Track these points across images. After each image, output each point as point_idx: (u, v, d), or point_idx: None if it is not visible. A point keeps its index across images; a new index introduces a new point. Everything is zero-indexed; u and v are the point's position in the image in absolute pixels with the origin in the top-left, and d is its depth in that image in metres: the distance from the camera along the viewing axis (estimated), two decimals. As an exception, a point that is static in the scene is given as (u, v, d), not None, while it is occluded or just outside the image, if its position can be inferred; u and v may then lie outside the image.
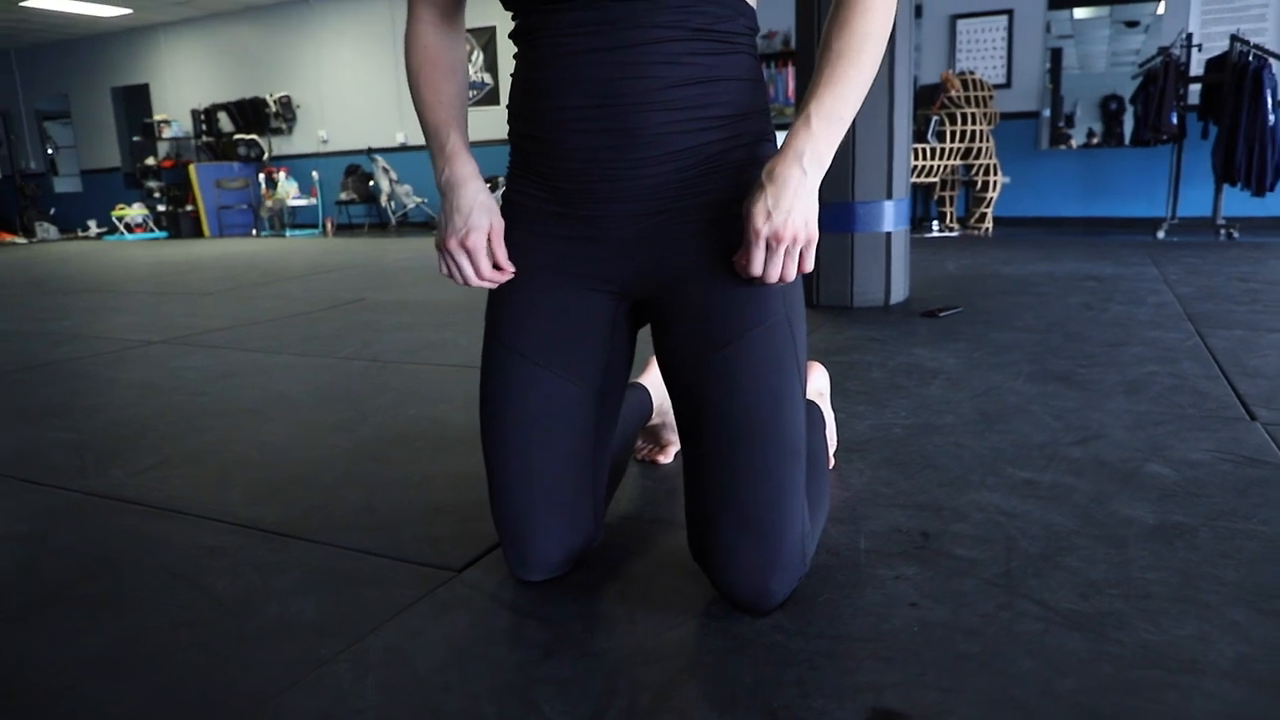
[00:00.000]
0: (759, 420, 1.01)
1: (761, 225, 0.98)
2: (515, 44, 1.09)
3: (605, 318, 1.12)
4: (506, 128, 1.16)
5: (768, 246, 0.99)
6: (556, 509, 1.10)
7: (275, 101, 10.35)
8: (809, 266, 1.03)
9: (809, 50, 3.14)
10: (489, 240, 1.10)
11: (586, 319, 1.11)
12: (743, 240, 1.02)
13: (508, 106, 1.14)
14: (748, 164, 1.07)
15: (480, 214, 1.09)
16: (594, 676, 0.93)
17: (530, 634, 1.03)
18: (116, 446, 1.86)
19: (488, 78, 9.06)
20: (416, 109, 1.15)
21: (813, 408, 1.40)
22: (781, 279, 1.02)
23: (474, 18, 8.59)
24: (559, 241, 1.10)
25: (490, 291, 1.15)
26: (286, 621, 1.08)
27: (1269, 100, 5.20)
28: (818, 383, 1.54)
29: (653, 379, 1.52)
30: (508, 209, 1.14)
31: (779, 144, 1.05)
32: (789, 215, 0.98)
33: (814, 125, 0.99)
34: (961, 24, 6.96)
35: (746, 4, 1.06)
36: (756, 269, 1.01)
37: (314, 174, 9.89)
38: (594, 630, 1.03)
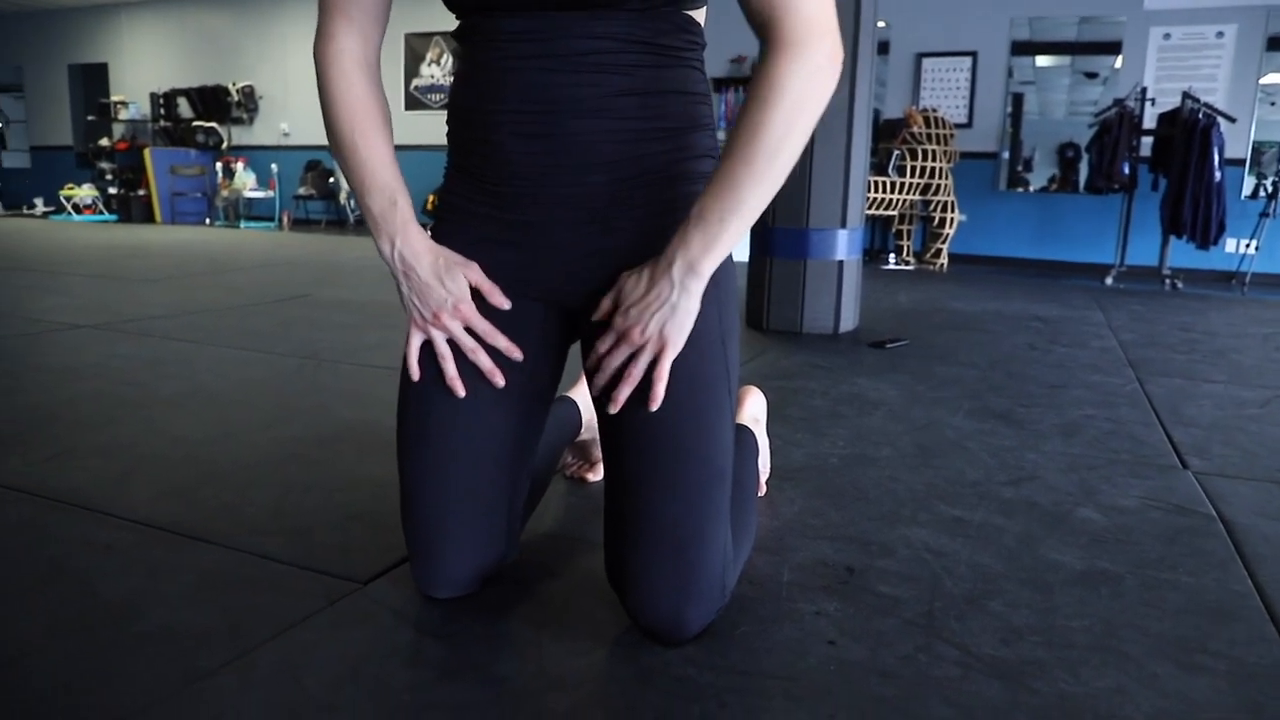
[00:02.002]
0: (684, 441, 0.97)
1: (618, 319, 0.98)
2: (458, 43, 1.05)
3: (535, 327, 1.08)
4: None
5: (619, 338, 0.99)
6: (469, 523, 1.05)
7: (238, 91, 10.15)
8: (662, 378, 0.97)
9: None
10: (478, 290, 1.04)
11: (514, 326, 1.06)
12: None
13: (446, 105, 1.09)
14: (688, 179, 1.04)
15: (455, 278, 1.02)
16: (491, 703, 0.89)
17: (430, 654, 0.97)
18: (20, 433, 1.76)
19: (456, 82, 8.99)
20: (346, 162, 1.02)
21: (746, 433, 1.36)
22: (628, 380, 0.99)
23: (448, 20, 8.53)
24: (491, 245, 1.05)
25: None
26: (171, 629, 1.01)
27: (1215, 157, 5.33)
28: (753, 408, 1.50)
29: (582, 393, 1.47)
30: (440, 209, 1.10)
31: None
32: (641, 321, 0.96)
33: (690, 234, 0.95)
34: (927, 62, 7.06)
35: (692, 19, 1.03)
36: (601, 349, 1.00)
37: (273, 166, 9.70)
38: (498, 653, 0.98)
